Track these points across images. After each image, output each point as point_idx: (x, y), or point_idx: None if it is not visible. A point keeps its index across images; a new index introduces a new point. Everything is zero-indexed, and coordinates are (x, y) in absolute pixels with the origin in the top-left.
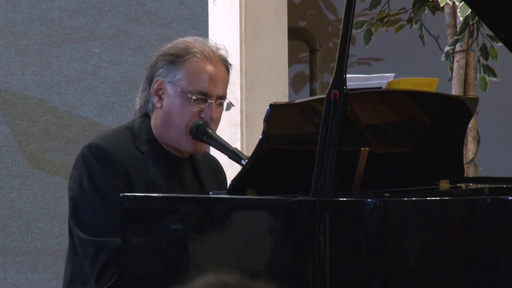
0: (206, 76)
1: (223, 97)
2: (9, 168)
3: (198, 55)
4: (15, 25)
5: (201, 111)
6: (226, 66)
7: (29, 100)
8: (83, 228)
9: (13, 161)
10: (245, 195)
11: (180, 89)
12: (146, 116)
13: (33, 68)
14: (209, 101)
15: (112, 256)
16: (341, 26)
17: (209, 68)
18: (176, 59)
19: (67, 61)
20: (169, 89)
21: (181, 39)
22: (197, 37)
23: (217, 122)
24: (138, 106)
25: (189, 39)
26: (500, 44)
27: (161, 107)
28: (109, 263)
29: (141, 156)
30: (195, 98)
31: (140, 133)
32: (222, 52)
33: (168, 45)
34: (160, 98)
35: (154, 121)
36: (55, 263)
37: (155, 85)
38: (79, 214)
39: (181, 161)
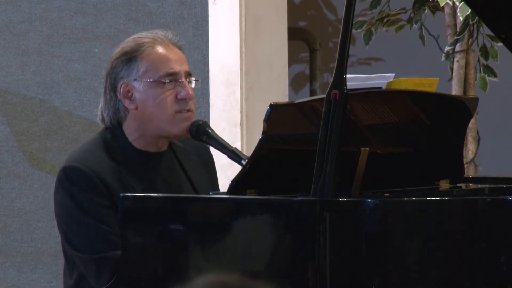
0: (167, 57)
1: (190, 73)
2: (9, 168)
3: (151, 43)
4: (15, 25)
5: (176, 94)
6: (179, 47)
7: (29, 100)
8: (79, 248)
9: (13, 161)
10: (245, 195)
11: (149, 80)
12: (117, 125)
13: (33, 68)
14: (180, 80)
15: (116, 270)
16: (341, 26)
17: (166, 50)
18: (132, 55)
19: (67, 61)
20: (137, 86)
21: (127, 39)
22: (143, 32)
23: (193, 99)
24: (107, 119)
25: (135, 35)
26: (500, 44)
27: (135, 108)
28: (114, 276)
29: (117, 166)
30: (167, 81)
31: (113, 142)
32: (171, 35)
33: (118, 49)
34: (131, 100)
35: (131, 125)
36: (55, 263)
37: (121, 89)
38: (72, 237)
39: (161, 156)
